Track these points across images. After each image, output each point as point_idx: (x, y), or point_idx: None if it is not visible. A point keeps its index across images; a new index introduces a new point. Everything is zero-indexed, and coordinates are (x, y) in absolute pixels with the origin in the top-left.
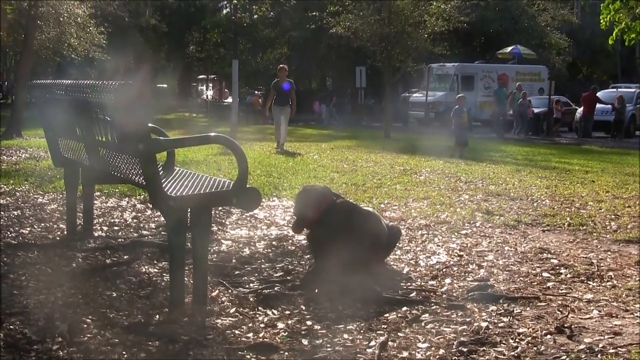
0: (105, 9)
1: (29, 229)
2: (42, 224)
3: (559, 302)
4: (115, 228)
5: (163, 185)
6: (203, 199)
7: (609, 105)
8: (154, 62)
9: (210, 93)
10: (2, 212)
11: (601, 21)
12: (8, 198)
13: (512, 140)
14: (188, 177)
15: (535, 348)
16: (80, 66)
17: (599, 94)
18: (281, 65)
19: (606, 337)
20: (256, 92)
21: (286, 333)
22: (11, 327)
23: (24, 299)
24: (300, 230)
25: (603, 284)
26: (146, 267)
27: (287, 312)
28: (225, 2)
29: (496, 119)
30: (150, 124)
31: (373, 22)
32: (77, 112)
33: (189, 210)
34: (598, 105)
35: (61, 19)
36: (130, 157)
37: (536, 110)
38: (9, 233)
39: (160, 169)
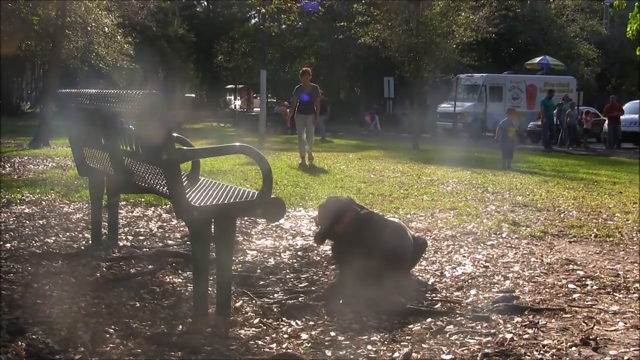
0: (133, 19)
1: (54, 238)
2: (67, 233)
3: (585, 314)
4: (141, 238)
5: (187, 195)
6: (227, 209)
7: (636, 116)
8: (183, 71)
9: (238, 103)
10: (27, 221)
11: (628, 30)
12: (34, 207)
13: (558, 152)
14: (213, 187)
15: None
16: (109, 75)
17: (626, 105)
18: (305, 68)
19: (632, 349)
20: (285, 102)
21: (309, 344)
22: (34, 336)
23: (48, 309)
24: (322, 242)
25: (629, 296)
26: (170, 277)
27: (311, 322)
28: (253, 12)
29: (544, 130)
30: (175, 134)
31: (401, 32)
32: (101, 121)
33: (212, 220)
34: (625, 116)
35: (89, 29)
36: (154, 167)
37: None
38: (34, 242)
39: (185, 179)
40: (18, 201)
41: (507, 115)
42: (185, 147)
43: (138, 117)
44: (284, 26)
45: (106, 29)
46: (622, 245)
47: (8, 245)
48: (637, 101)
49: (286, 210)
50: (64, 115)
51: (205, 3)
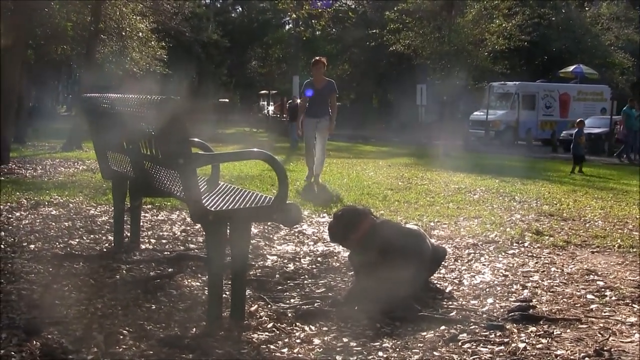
0: (167, 24)
1: (77, 240)
2: (91, 236)
3: (601, 325)
4: (163, 241)
5: (204, 199)
6: (242, 214)
7: None
8: (216, 76)
9: (271, 108)
10: (53, 223)
11: None
12: (61, 209)
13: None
14: (231, 192)
15: None
16: (142, 80)
17: None
18: (316, 58)
19: None
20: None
21: (321, 349)
22: (49, 336)
23: (65, 309)
24: (337, 242)
25: None
26: (189, 280)
27: (325, 328)
28: (287, 18)
29: (629, 140)
30: (194, 139)
31: (433, 39)
32: (123, 125)
33: (228, 224)
34: None
35: (123, 33)
36: (172, 171)
37: (597, 131)
38: (57, 243)
39: (204, 183)
40: (46, 203)
41: (577, 125)
42: (202, 152)
43: (157, 121)
44: (318, 32)
45: (140, 34)
46: None
47: (32, 246)
48: None
49: (302, 215)
50: (89, 119)
51: (240, 9)
